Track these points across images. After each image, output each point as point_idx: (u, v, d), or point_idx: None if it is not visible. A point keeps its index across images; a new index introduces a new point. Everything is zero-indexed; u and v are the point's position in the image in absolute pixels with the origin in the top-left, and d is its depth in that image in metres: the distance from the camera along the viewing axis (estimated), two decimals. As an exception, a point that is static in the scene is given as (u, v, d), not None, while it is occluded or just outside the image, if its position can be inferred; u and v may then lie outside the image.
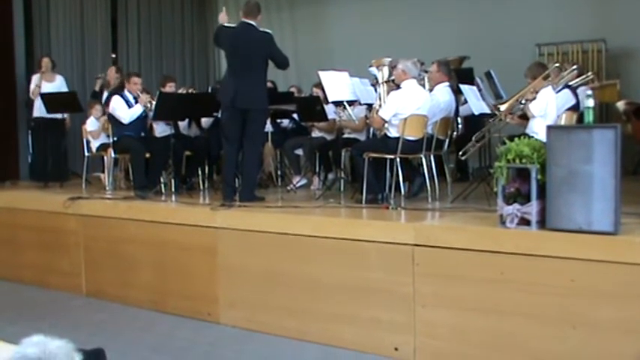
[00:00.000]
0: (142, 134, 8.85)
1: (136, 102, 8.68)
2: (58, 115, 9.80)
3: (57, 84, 10.25)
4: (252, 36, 7.25)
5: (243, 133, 7.28)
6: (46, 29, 12.00)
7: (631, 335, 4.50)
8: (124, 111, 8.58)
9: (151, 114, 8.72)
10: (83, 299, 7.63)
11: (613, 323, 4.55)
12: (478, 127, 7.75)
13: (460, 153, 7.38)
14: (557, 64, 7.90)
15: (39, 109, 9.98)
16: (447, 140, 7.85)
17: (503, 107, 6.83)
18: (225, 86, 7.46)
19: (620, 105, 9.16)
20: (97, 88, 10.83)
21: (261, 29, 7.33)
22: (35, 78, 10.22)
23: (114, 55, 13.23)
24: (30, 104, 10.42)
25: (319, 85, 8.63)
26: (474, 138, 7.21)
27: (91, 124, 9.74)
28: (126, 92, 8.78)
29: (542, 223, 4.91)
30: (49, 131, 10.00)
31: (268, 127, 9.09)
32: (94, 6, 12.64)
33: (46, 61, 10.31)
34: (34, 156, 10.67)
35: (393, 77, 7.27)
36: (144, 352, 5.87)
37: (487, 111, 7.87)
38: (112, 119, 8.77)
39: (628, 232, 4.72)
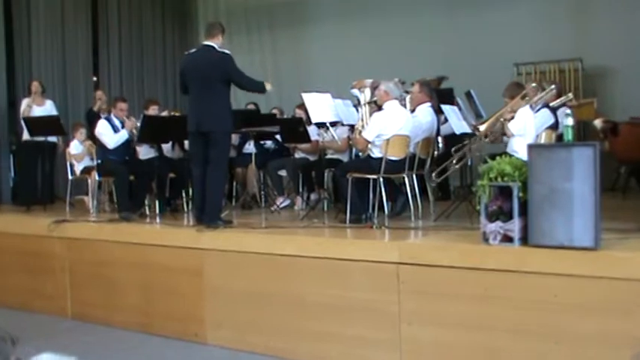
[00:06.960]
0: (126, 158, 8.83)
1: (122, 127, 8.68)
2: (51, 139, 9.82)
3: (47, 108, 10.24)
4: (211, 58, 7.06)
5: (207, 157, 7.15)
6: (28, 53, 12.01)
7: (613, 349, 4.56)
8: (110, 136, 8.57)
9: (136, 139, 8.77)
10: (69, 322, 7.60)
11: (595, 338, 4.63)
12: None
13: (434, 175, 7.40)
14: (534, 84, 8.00)
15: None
16: (429, 159, 7.94)
17: (482, 127, 6.94)
18: (189, 112, 7.30)
19: (597, 123, 9.26)
20: (95, 109, 10.63)
21: (220, 49, 7.11)
22: (27, 100, 10.20)
23: (95, 79, 13.20)
24: (20, 127, 10.31)
25: (302, 107, 8.69)
26: (451, 158, 7.27)
27: (75, 148, 9.76)
28: (112, 116, 8.82)
29: (525, 240, 4.99)
30: (39, 154, 10.00)
31: (252, 149, 9.13)
32: (74, 29, 12.67)
33: (36, 85, 10.29)
34: (19, 179, 10.60)
35: (375, 98, 7.34)
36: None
37: (468, 130, 7.94)
38: (97, 142, 8.81)
39: (608, 248, 4.81)
